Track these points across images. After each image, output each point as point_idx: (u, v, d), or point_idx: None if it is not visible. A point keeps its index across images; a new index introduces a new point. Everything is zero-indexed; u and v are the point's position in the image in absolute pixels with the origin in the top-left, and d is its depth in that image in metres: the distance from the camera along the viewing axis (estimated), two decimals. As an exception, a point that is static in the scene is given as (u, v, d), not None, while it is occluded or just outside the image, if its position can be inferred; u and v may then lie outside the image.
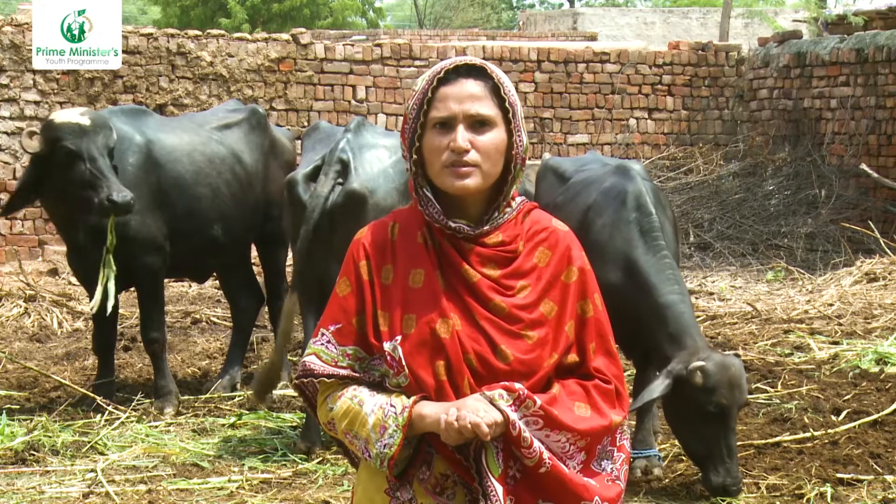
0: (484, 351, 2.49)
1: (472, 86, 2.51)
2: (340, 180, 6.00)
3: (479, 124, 2.50)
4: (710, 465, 5.27)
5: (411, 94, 2.55)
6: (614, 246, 5.57)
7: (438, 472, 2.51)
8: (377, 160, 6.16)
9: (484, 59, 2.80)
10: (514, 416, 2.42)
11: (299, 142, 8.46)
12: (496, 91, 2.52)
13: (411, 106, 2.53)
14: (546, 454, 2.45)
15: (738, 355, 5.74)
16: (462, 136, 2.48)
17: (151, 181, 6.81)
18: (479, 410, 2.40)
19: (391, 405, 2.48)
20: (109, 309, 6.51)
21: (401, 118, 13.23)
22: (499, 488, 2.43)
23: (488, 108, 2.50)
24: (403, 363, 2.48)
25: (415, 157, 2.53)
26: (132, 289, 7.34)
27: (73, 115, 6.50)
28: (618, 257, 5.52)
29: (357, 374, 2.55)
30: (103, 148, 6.37)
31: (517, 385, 2.44)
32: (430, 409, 2.44)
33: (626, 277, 5.47)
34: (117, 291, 6.96)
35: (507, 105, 2.52)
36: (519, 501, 2.47)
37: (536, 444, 2.44)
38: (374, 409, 2.49)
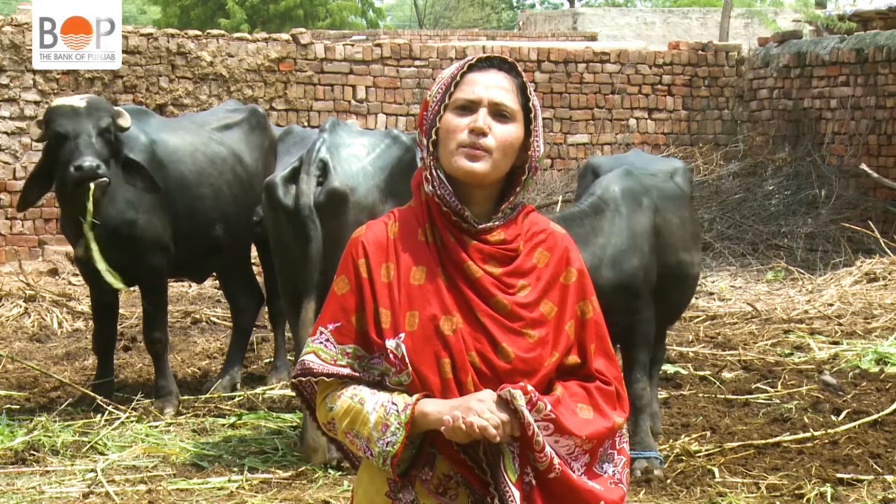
0: (485, 349, 2.48)
1: (501, 78, 2.54)
2: (321, 180, 5.91)
3: (500, 115, 2.51)
4: None
5: (436, 82, 2.56)
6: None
7: (441, 473, 2.49)
8: (356, 158, 6.07)
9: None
10: (529, 416, 2.40)
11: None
12: (522, 90, 2.55)
13: (435, 90, 2.54)
14: (556, 459, 2.43)
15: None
16: (484, 118, 2.49)
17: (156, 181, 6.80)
18: (483, 412, 2.38)
19: (393, 403, 2.46)
20: (118, 284, 6.49)
21: (401, 118, 13.36)
22: (516, 493, 2.41)
23: (513, 102, 2.52)
24: (406, 360, 2.46)
25: (433, 137, 2.53)
26: (133, 288, 7.34)
27: (71, 99, 6.54)
28: None
29: (357, 374, 2.53)
30: (93, 129, 6.33)
31: (529, 387, 2.42)
32: (433, 407, 2.42)
33: None
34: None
35: (530, 105, 2.55)
36: None
37: (548, 448, 2.43)
38: (375, 408, 2.46)
